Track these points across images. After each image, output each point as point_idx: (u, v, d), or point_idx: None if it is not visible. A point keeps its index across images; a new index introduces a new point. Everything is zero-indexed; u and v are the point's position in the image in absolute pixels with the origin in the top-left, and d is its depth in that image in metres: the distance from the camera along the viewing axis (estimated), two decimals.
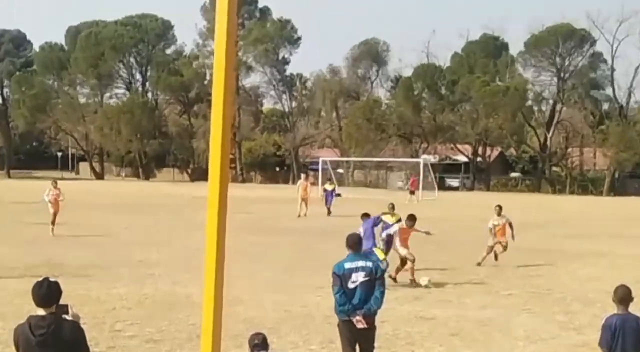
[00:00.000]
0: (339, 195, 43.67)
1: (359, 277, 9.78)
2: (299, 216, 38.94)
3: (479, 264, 22.07)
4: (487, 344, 13.15)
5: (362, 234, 18.17)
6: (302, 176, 44.40)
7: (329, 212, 40.83)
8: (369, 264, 9.98)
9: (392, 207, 21.07)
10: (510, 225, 22.45)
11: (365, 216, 19.21)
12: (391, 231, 18.97)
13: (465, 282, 19.10)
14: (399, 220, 19.67)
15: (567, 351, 12.67)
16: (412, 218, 19.18)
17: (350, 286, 9.75)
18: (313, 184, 52.07)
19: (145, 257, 22.88)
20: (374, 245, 18.08)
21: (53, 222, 28.41)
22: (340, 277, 9.80)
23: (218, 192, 3.94)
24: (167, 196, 57.87)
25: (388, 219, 19.65)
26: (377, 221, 19.26)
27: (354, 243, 10.15)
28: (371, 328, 9.96)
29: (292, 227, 33.69)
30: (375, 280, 9.88)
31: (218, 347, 3.99)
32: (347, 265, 9.89)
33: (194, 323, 13.47)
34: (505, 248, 22.29)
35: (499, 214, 22.64)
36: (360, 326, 9.74)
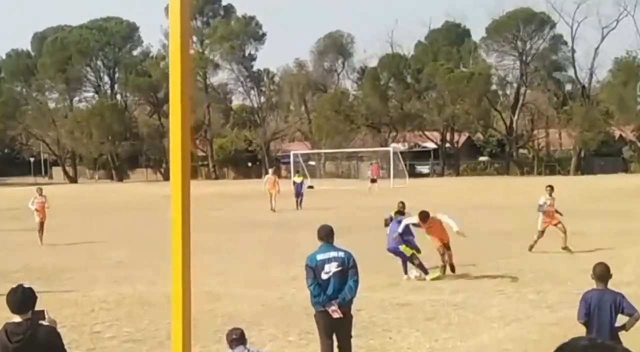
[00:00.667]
0: (311, 187, 43.49)
1: (332, 268, 9.76)
2: (273, 209, 38.55)
3: (530, 248, 21.72)
4: (462, 327, 13.22)
5: (390, 236, 17.90)
6: (270, 170, 43.93)
7: (298, 206, 40.21)
8: (341, 254, 9.95)
9: (403, 205, 19.37)
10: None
11: (400, 214, 18.53)
12: (412, 220, 17.98)
13: (437, 267, 18.86)
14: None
15: (541, 330, 12.76)
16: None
17: (324, 276, 9.74)
18: (281, 177, 51.86)
19: (122, 258, 22.77)
20: (401, 243, 17.70)
21: (40, 231, 27.05)
22: (314, 269, 9.78)
23: (180, 191, 3.92)
24: (141, 196, 57.59)
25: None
26: (390, 219, 18.65)
27: (326, 234, 10.14)
28: (347, 317, 9.96)
29: (266, 221, 33.58)
30: (349, 269, 9.88)
31: (188, 342, 3.98)
32: (320, 256, 9.87)
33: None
34: (564, 230, 21.67)
35: (550, 195, 22.14)
36: (336, 315, 9.74)
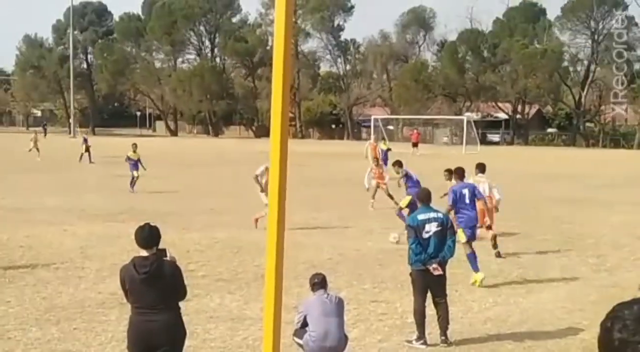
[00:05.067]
0: (389, 149, 42.58)
1: (432, 228, 9.61)
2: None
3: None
4: (524, 285, 13.09)
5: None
6: (372, 137, 42.29)
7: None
8: (440, 215, 9.86)
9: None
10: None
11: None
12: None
13: (502, 231, 17.90)
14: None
15: (599, 291, 12.56)
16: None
17: (425, 236, 9.56)
18: (360, 139, 50.86)
19: (216, 206, 23.13)
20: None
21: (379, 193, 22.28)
22: (415, 228, 9.61)
23: (279, 148, 3.97)
24: (234, 151, 58.26)
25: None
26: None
27: (425, 196, 10.04)
28: (444, 275, 9.77)
29: (347, 178, 33.54)
30: (447, 230, 9.74)
31: (280, 284, 4.06)
32: (421, 216, 9.72)
33: (258, 264, 13.64)
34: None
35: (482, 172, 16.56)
36: (437, 273, 9.53)
